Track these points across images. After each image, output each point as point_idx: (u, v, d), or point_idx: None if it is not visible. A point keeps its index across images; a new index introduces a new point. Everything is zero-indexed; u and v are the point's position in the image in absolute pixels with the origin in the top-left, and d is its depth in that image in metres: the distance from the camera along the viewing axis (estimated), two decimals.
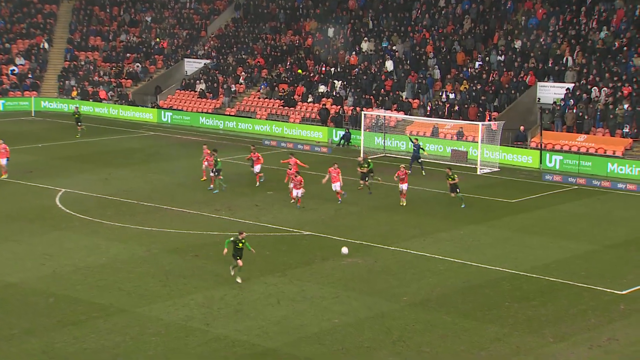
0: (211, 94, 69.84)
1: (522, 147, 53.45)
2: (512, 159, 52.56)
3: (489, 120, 54.24)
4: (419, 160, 48.65)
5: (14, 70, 76.01)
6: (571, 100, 54.79)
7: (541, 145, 52.38)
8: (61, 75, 76.77)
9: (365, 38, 67.79)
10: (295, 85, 66.96)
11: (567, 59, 57.84)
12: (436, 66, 62.34)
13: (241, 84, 70.15)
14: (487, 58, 61.15)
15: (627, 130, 52.18)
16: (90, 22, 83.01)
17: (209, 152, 44.51)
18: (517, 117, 55.59)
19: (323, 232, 36.15)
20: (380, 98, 61.40)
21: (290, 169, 41.28)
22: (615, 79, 54.93)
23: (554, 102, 55.63)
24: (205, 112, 67.67)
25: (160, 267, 31.19)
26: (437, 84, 61.58)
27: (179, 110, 68.99)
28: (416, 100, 60.85)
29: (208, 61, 74.02)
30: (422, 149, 49.48)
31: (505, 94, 57.35)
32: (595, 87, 55.00)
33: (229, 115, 66.51)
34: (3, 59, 77.07)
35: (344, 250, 28.99)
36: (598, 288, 29.70)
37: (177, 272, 30.55)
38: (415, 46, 65.04)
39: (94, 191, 43.02)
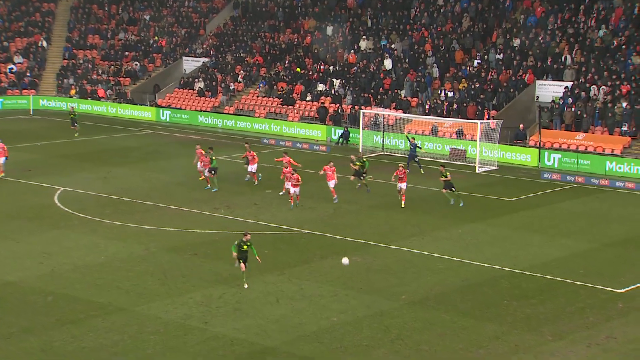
0: (210, 93, 69.82)
1: (520, 146, 53.46)
2: (510, 158, 52.59)
3: (488, 119, 54.26)
4: (416, 159, 48.65)
5: (12, 68, 75.98)
6: (570, 99, 54.81)
7: (540, 143, 52.40)
8: (59, 74, 76.74)
9: (364, 36, 67.79)
10: (294, 83, 66.95)
11: (565, 57, 57.86)
12: (435, 64, 62.34)
13: (240, 82, 70.13)
14: (486, 56, 61.16)
15: (625, 129, 52.20)
16: (88, 21, 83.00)
17: (202, 152, 44.32)
18: (516, 116, 55.61)
19: (322, 230, 36.16)
20: (379, 96, 61.42)
21: (286, 167, 41.24)
22: (614, 77, 54.95)
23: (553, 101, 55.64)
24: (203, 111, 67.64)
25: (159, 265, 31.18)
26: (435, 83, 61.59)
27: (178, 108, 68.98)
28: (415, 99, 60.85)
29: (207, 59, 74.00)
30: (419, 147, 49.52)
31: (504, 93, 57.37)
32: (594, 86, 55.01)
33: (228, 113, 66.49)
34: (1, 58, 77.05)
35: (345, 260, 28.33)
36: (596, 286, 29.72)
37: (175, 271, 30.54)
38: (413, 44, 65.04)
39: (92, 190, 43.02)
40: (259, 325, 25.66)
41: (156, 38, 79.66)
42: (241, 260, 28.70)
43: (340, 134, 58.54)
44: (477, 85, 58.77)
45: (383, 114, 57.72)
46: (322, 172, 41.21)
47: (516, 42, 60.94)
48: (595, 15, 60.08)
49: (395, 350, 24.11)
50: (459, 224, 37.56)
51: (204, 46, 76.03)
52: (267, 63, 70.89)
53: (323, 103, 63.40)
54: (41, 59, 78.16)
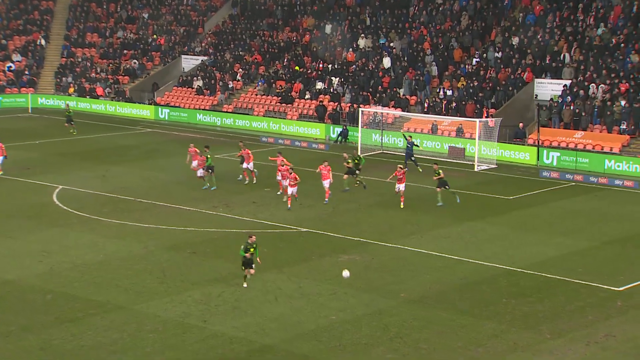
0: (209, 91, 69.79)
1: (519, 144, 53.46)
2: (509, 156, 52.59)
3: (487, 117, 54.27)
4: (412, 158, 48.65)
5: (10, 66, 75.95)
6: (568, 97, 54.82)
7: (538, 141, 52.40)
8: (58, 72, 76.71)
9: (363, 35, 67.77)
10: (293, 82, 66.94)
11: (564, 56, 57.86)
12: (433, 63, 62.33)
13: (238, 80, 70.10)
14: (485, 55, 61.15)
15: (624, 127, 52.21)
16: (87, 19, 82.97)
17: (196, 150, 44.29)
18: (515, 114, 55.61)
19: (321, 229, 36.16)
20: (378, 95, 61.40)
21: (282, 166, 41.21)
22: (613, 75, 54.95)
23: (552, 99, 55.63)
24: (202, 109, 67.63)
25: (158, 264, 31.18)
26: (434, 81, 61.58)
27: (176, 107, 68.97)
28: (413, 97, 60.84)
29: (205, 58, 73.97)
30: (416, 145, 49.53)
31: (502, 91, 57.37)
32: (592, 84, 55.01)
33: (226, 112, 66.48)
34: (0, 56, 76.97)
35: (345, 273, 27.97)
36: (595, 284, 29.73)
37: (174, 269, 30.55)
38: (412, 43, 65.02)
39: (91, 188, 43.01)
40: (257, 323, 25.67)
41: (155, 36, 79.64)
42: (249, 266, 28.38)
43: (339, 132, 58.54)
44: (475, 84, 58.77)
45: (382, 113, 57.72)
46: (318, 171, 41.13)
47: (515, 41, 60.93)
48: (594, 13, 60.08)
49: (394, 348, 24.12)
50: (457, 223, 37.56)
51: (203, 44, 76.01)
52: (265, 61, 70.87)
53: (322, 101, 63.37)
54: (40, 57, 78.13)
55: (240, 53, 72.77)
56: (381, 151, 54.99)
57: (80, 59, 77.95)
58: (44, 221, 36.93)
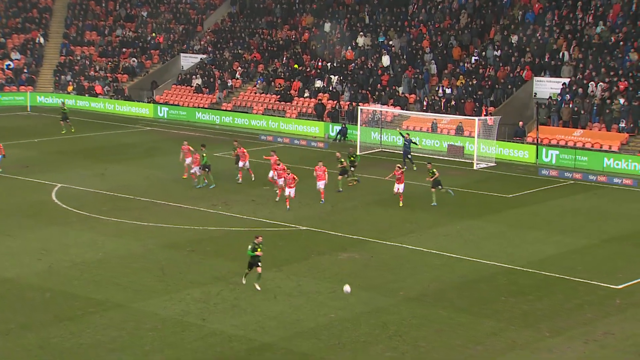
0: (207, 89, 69.77)
1: (518, 142, 53.45)
2: (508, 154, 52.60)
3: (486, 116, 54.26)
4: (409, 156, 48.63)
5: (9, 65, 75.87)
6: (567, 95, 54.82)
7: (537, 140, 52.41)
8: (57, 70, 76.62)
9: (362, 33, 67.74)
10: (292, 80, 66.91)
11: (563, 54, 57.85)
12: (432, 61, 62.31)
13: (237, 79, 70.06)
14: (484, 53, 61.14)
15: (623, 125, 52.21)
16: (86, 17, 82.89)
17: (190, 148, 44.27)
18: (514, 112, 55.61)
19: (320, 227, 36.17)
20: (377, 93, 61.39)
21: (278, 165, 41.16)
22: (612, 73, 54.95)
23: (550, 97, 55.64)
24: (201, 107, 67.59)
25: (157, 262, 31.19)
26: (433, 79, 61.57)
27: (175, 105, 68.92)
28: (412, 95, 60.82)
29: (204, 56, 73.92)
30: (414, 143, 49.56)
31: (501, 89, 57.37)
32: (591, 82, 55.00)
33: (225, 110, 66.44)
34: None
35: (347, 288, 27.56)
36: (594, 282, 29.76)
37: (173, 268, 30.56)
38: (411, 41, 65.00)
39: (90, 186, 43.00)
40: (257, 321, 25.68)
41: (154, 34, 79.57)
42: (255, 265, 28.24)
43: (338, 131, 58.53)
44: (474, 82, 58.75)
45: (381, 111, 57.72)
46: (315, 174, 40.96)
47: (514, 39, 60.92)
48: (592, 11, 60.07)
49: (392, 346, 24.13)
50: (456, 221, 37.57)
51: (202, 43, 75.96)
52: (264, 60, 70.83)
53: (321, 100, 63.37)
54: (38, 56, 78.05)
55: (239, 51, 72.74)
56: (380, 149, 54.99)
57: (79, 57, 77.87)
58: (43, 219, 36.93)
